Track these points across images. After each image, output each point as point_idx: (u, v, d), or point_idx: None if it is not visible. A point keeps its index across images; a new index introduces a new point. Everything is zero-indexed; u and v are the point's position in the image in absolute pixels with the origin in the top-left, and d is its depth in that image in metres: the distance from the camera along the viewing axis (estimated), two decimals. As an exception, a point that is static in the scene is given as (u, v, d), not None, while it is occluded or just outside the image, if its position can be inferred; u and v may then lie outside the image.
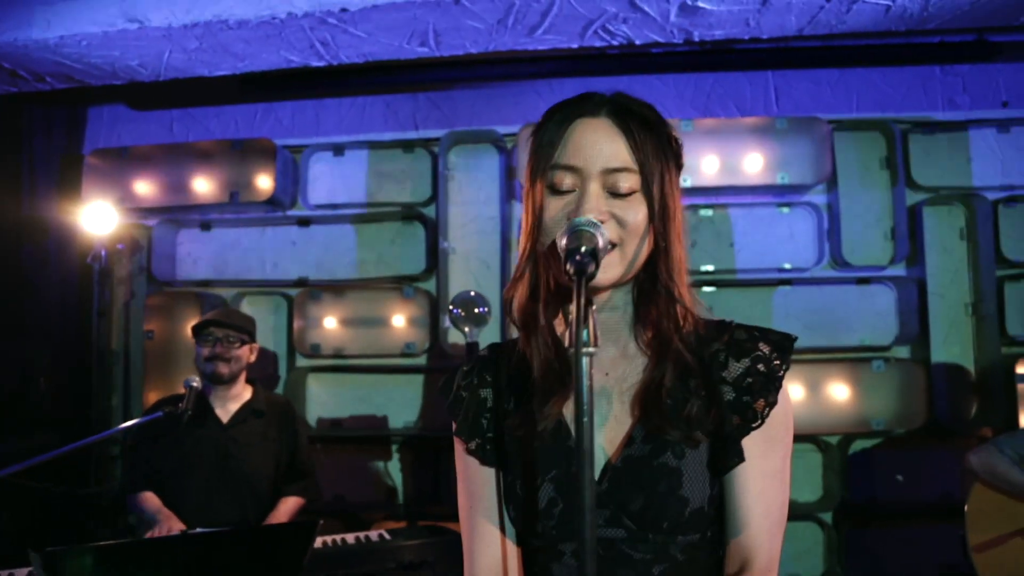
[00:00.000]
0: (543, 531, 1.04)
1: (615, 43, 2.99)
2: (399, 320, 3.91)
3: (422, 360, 3.88)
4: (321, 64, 3.18)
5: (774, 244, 3.73)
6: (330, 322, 3.93)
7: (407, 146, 3.99)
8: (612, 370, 1.09)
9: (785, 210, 3.76)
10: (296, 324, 3.84)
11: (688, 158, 3.63)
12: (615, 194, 1.03)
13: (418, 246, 3.94)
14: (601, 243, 0.95)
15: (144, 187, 3.96)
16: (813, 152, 3.65)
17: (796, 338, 1.09)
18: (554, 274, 1.06)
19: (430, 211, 3.85)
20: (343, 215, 3.96)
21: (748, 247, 3.75)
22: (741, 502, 1.03)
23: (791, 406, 1.07)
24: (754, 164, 3.69)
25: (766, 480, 1.03)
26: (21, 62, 3.06)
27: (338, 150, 3.99)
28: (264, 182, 3.89)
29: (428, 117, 3.99)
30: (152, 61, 3.09)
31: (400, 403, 3.90)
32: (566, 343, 1.08)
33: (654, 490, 0.99)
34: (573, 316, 0.85)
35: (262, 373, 3.76)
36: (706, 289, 3.70)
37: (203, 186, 3.99)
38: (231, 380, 2.88)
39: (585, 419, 0.84)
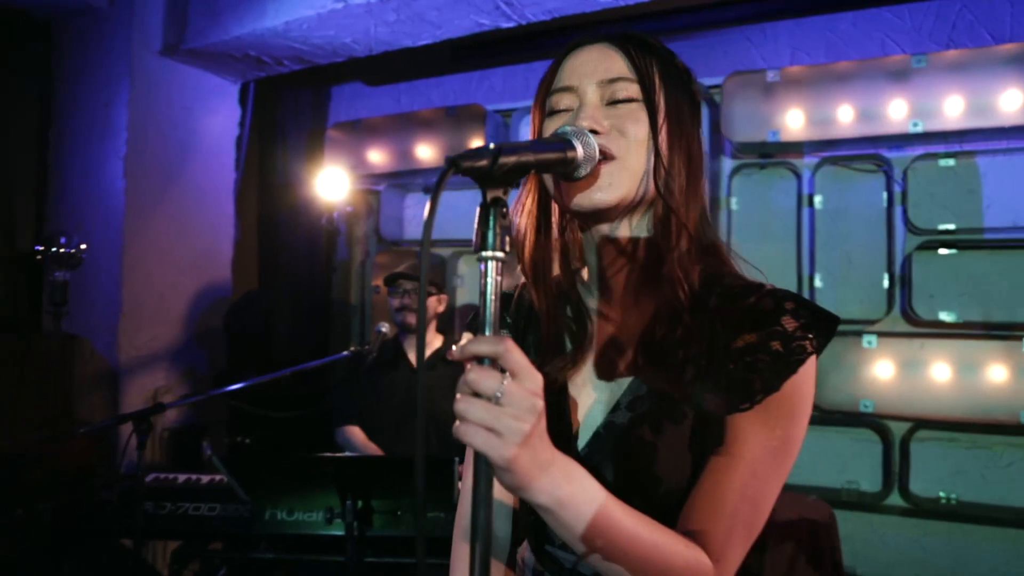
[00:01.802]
0: None
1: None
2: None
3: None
4: (511, 25, 3.24)
5: (1035, 198, 3.13)
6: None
7: (615, 104, 3.93)
8: (626, 318, 1.00)
9: (1051, 156, 3.12)
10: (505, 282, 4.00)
11: (922, 99, 3.18)
12: (614, 103, 0.95)
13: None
14: (580, 151, 0.88)
15: (376, 155, 4.35)
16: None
17: (838, 321, 0.92)
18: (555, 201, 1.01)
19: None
20: (551, 177, 4.03)
21: (1000, 202, 3.17)
22: (704, 487, 0.90)
23: (804, 400, 0.91)
24: (1011, 102, 3.10)
25: (744, 470, 0.89)
26: (262, 49, 3.51)
27: (550, 110, 4.05)
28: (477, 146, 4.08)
29: (636, 73, 3.89)
30: (362, 37, 3.37)
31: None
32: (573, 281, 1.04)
33: (627, 465, 0.92)
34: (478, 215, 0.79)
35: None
36: (944, 251, 3.21)
37: (425, 152, 4.28)
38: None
39: (488, 330, 0.79)
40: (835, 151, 3.41)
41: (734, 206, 3.62)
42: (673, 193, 0.95)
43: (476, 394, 0.73)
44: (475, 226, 0.79)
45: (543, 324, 1.04)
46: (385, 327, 2.71)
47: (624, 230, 0.99)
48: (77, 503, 2.57)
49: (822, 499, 3.15)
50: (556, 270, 1.05)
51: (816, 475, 3.35)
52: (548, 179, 1.00)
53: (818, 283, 3.43)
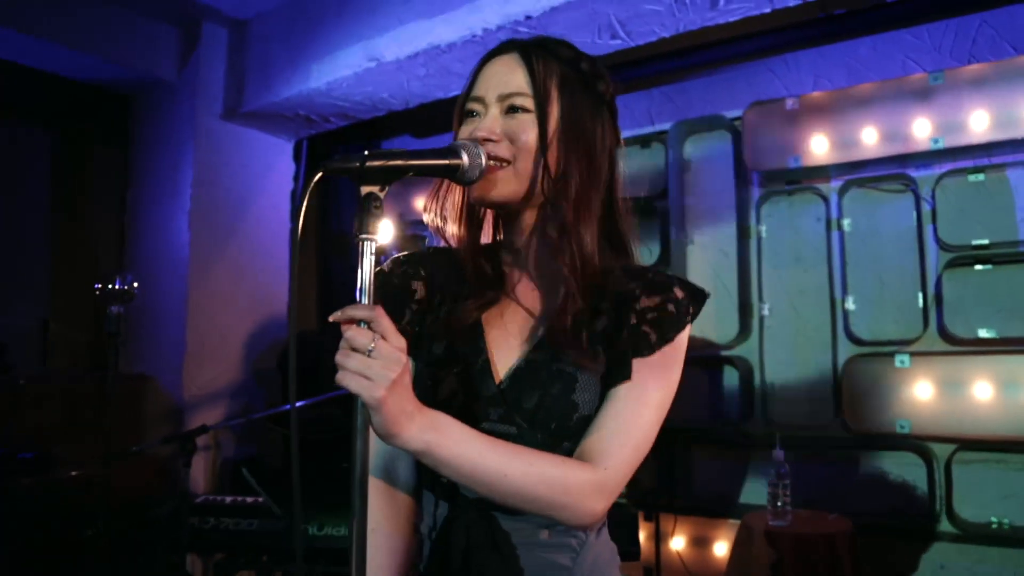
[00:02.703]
0: None
1: (812, -1, 2.77)
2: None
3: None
4: (532, 72, 3.43)
5: (1070, 208, 3.06)
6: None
7: (644, 142, 4.06)
8: (531, 286, 1.17)
9: (1085, 165, 3.05)
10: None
11: (946, 116, 3.24)
12: (510, 112, 1.10)
13: (657, 239, 3.97)
14: (466, 160, 1.02)
15: (422, 202, 4.59)
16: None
17: (707, 295, 1.15)
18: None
19: (666, 204, 3.87)
20: (587, 214, 4.16)
21: (1035, 214, 3.11)
22: (606, 411, 1.07)
23: (683, 352, 1.12)
24: (1037, 112, 3.06)
25: (637, 404, 1.07)
26: (310, 108, 3.83)
27: (581, 153, 4.21)
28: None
29: (663, 111, 4.02)
30: (397, 91, 3.63)
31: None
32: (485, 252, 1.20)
33: (547, 391, 1.06)
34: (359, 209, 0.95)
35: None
36: (980, 267, 3.16)
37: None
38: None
39: (363, 298, 0.93)
40: (861, 173, 3.43)
41: (763, 233, 3.66)
42: (567, 191, 1.09)
43: (354, 350, 0.89)
44: (355, 215, 0.95)
45: (468, 270, 1.18)
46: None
47: (528, 217, 1.15)
48: (135, 522, 2.80)
49: (865, 523, 3.09)
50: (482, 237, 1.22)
51: (858, 501, 3.27)
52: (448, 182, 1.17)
53: (851, 306, 3.42)
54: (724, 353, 3.69)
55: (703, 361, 3.76)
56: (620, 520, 3.02)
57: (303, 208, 0.92)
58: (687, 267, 3.85)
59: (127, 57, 3.71)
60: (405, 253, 1.28)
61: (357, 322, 0.90)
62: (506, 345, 1.13)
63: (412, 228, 4.55)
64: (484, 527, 1.07)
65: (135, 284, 2.42)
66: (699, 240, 3.87)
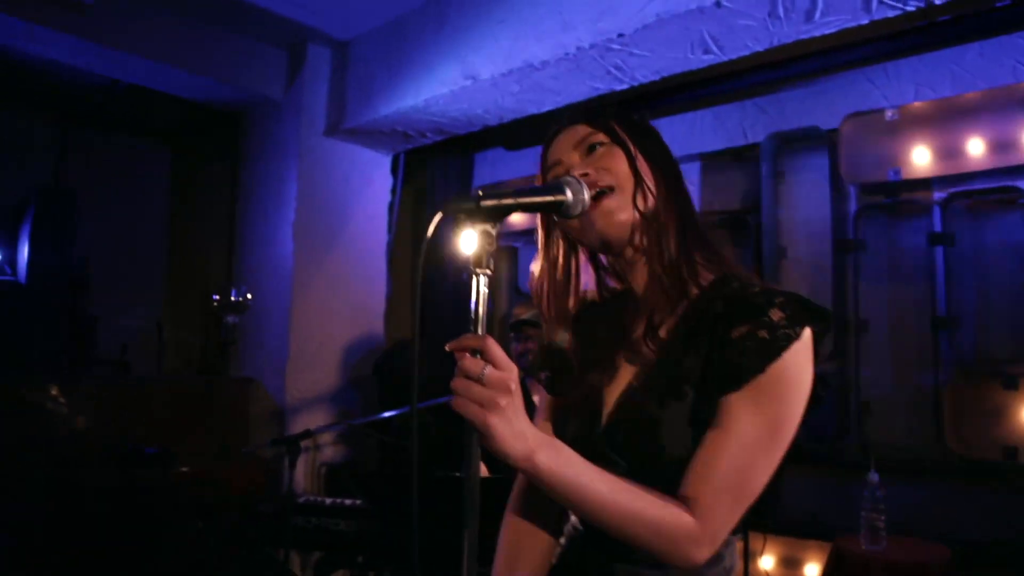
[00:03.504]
0: None
1: (910, 8, 2.69)
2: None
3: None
4: (623, 87, 3.46)
5: None
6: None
7: (736, 154, 4.03)
8: (645, 316, 1.18)
9: None
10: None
11: None
12: (590, 152, 1.19)
13: (749, 253, 3.93)
14: (570, 195, 1.09)
15: (515, 215, 4.68)
16: None
17: (829, 314, 1.06)
18: (577, 241, 1.23)
19: (759, 217, 3.83)
20: (677, 227, 4.15)
21: None
22: (697, 455, 1.04)
23: (792, 383, 1.03)
24: None
25: (729, 446, 1.02)
26: (408, 124, 3.97)
27: (672, 165, 4.21)
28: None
29: (756, 123, 3.98)
30: (492, 107, 3.73)
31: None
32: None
33: (636, 434, 1.09)
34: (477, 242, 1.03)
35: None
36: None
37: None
38: (540, 372, 3.31)
39: (478, 328, 1.01)
40: (966, 185, 3.31)
41: (861, 248, 3.57)
42: (658, 203, 1.16)
43: (466, 377, 0.96)
44: (469, 250, 1.03)
45: (571, 349, 1.25)
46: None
47: (636, 242, 1.17)
48: (242, 519, 2.98)
49: (964, 553, 2.97)
50: (572, 300, 1.28)
51: (958, 529, 3.15)
52: (555, 219, 1.23)
53: (955, 324, 3.29)
54: (819, 370, 3.60)
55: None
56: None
57: (424, 247, 1.00)
58: (780, 282, 3.79)
59: (239, 78, 3.94)
60: None
61: (471, 351, 0.97)
62: (616, 384, 1.17)
63: (503, 240, 4.64)
64: (601, 556, 1.13)
65: (249, 296, 2.59)
66: (793, 254, 3.80)
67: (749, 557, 3.49)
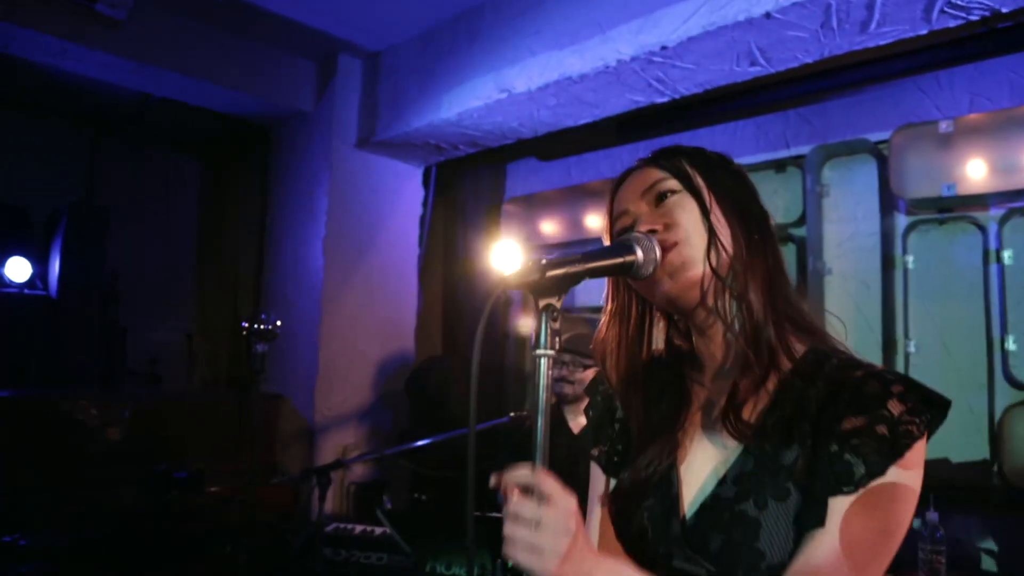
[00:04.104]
0: (636, 554, 1.06)
1: (974, 17, 2.56)
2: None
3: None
4: (664, 100, 3.35)
5: None
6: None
7: (779, 166, 3.89)
8: (723, 387, 1.05)
9: None
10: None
11: None
12: (660, 202, 1.07)
13: (792, 268, 3.79)
14: (640, 254, 0.99)
15: (548, 226, 4.59)
16: None
17: (948, 404, 0.94)
18: (647, 300, 1.12)
19: (802, 231, 3.69)
20: (717, 240, 4.03)
21: None
22: (799, 563, 0.91)
23: (909, 486, 0.91)
24: None
25: (836, 554, 0.90)
26: (440, 137, 3.89)
27: (711, 177, 4.08)
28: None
29: (799, 133, 3.84)
30: (527, 120, 3.63)
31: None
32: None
33: (730, 537, 0.95)
34: (535, 317, 0.94)
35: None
36: None
37: (595, 222, 4.45)
38: (575, 399, 3.21)
39: (540, 419, 0.92)
40: (1025, 202, 3.15)
41: (910, 265, 3.42)
42: (735, 258, 1.03)
43: (520, 520, 0.87)
44: (531, 328, 0.95)
45: (631, 418, 1.13)
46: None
47: (709, 303, 1.04)
48: (270, 546, 2.92)
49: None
50: (644, 354, 1.15)
51: (1016, 563, 3.00)
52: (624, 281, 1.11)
53: (1011, 346, 3.14)
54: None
55: (841, 399, 3.55)
56: None
57: (480, 333, 0.90)
58: (825, 299, 3.65)
59: (269, 91, 3.89)
60: None
61: (521, 488, 0.88)
62: (698, 472, 1.03)
63: (536, 253, 4.54)
64: None
65: (279, 323, 2.53)
66: (839, 271, 3.66)
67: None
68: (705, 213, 1.04)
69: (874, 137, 3.52)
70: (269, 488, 3.08)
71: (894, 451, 0.89)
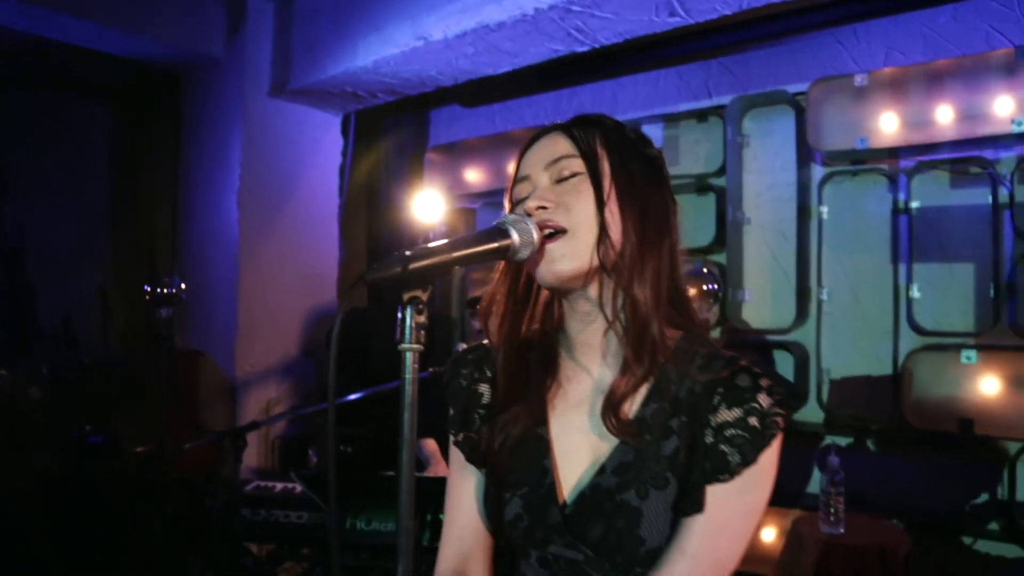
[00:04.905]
0: (510, 539, 1.06)
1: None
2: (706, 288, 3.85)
3: (714, 334, 3.80)
4: (584, 49, 3.30)
5: None
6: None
7: (701, 116, 3.89)
8: (608, 380, 1.04)
9: None
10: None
11: None
12: (560, 180, 1.03)
13: (712, 218, 3.83)
14: (516, 237, 0.96)
15: (472, 175, 4.53)
16: None
17: (806, 394, 1.00)
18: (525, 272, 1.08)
19: (722, 181, 3.73)
20: (639, 190, 4.04)
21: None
22: (678, 545, 0.96)
23: (772, 469, 0.98)
24: None
25: (713, 537, 0.96)
26: (357, 85, 3.77)
27: (635, 126, 4.07)
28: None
29: (721, 83, 3.84)
30: (446, 68, 3.54)
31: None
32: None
33: (612, 525, 0.97)
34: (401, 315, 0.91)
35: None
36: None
37: (520, 171, 4.42)
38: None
39: (406, 414, 0.90)
40: (933, 155, 3.23)
41: (825, 215, 3.50)
42: (624, 256, 1.00)
43: None
44: (398, 323, 0.89)
45: (500, 377, 1.10)
46: (463, 348, 2.86)
47: (592, 294, 1.03)
48: (191, 506, 2.89)
49: (928, 523, 3.01)
50: (524, 329, 1.11)
51: (914, 499, 3.18)
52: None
53: (915, 294, 3.26)
54: (780, 338, 3.58)
55: (758, 346, 3.66)
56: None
57: (337, 329, 0.86)
58: (744, 248, 3.72)
59: (174, 36, 3.69)
60: (471, 349, 1.20)
61: None
62: (573, 460, 1.04)
63: (460, 202, 4.49)
64: None
65: (183, 286, 2.45)
66: (757, 220, 3.72)
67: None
68: (601, 205, 1.00)
69: (793, 88, 3.54)
70: (191, 449, 3.02)
71: (764, 440, 0.95)
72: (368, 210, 4.59)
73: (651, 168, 1.07)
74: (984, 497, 3.07)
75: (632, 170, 1.04)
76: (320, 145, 4.11)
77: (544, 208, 1.00)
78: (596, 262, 0.99)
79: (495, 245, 0.95)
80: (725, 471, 0.95)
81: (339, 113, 4.18)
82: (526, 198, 1.03)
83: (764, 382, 0.97)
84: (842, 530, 2.62)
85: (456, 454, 1.16)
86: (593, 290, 1.02)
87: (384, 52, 3.41)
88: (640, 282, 1.00)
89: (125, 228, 4.52)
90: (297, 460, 3.68)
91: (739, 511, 0.96)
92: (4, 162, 3.80)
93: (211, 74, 3.95)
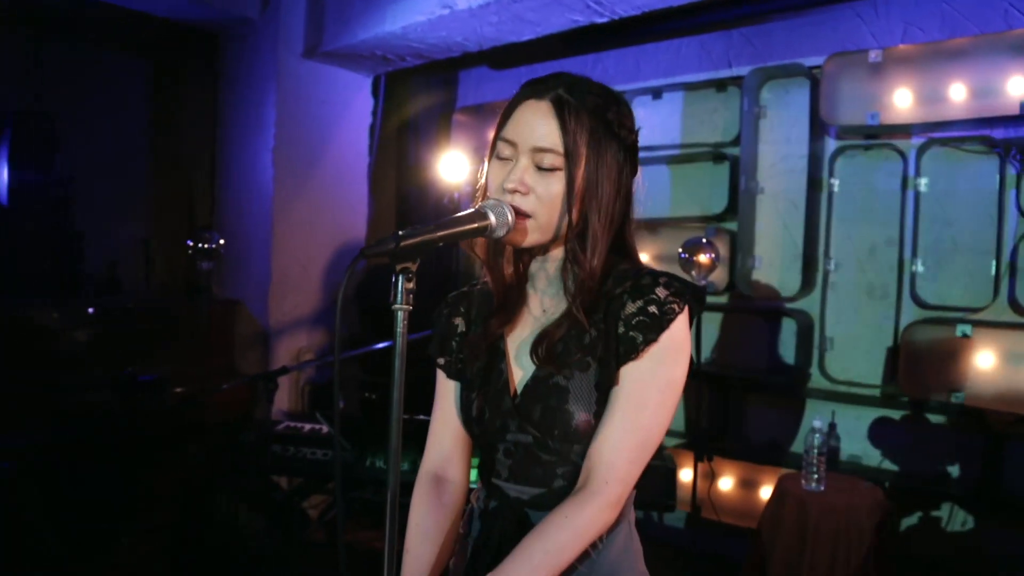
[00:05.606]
0: (478, 434, 1.30)
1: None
2: (703, 259, 3.99)
3: (722, 299, 3.95)
4: (603, 20, 3.40)
5: None
6: (643, 257, 4.21)
7: (720, 85, 3.97)
8: (549, 308, 1.28)
9: None
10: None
11: None
12: (540, 168, 1.18)
13: (725, 186, 3.94)
14: (494, 220, 1.14)
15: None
16: None
17: (704, 291, 1.25)
18: None
19: (736, 151, 3.82)
20: (659, 156, 4.15)
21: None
22: (605, 420, 1.18)
23: (679, 348, 1.19)
24: None
25: (633, 407, 1.17)
26: (387, 49, 3.90)
27: (656, 93, 4.16)
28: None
29: (741, 54, 3.90)
30: (472, 35, 3.66)
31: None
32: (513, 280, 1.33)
33: (547, 403, 1.20)
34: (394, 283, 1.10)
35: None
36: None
37: (543, 134, 4.53)
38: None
39: (396, 363, 1.09)
40: (944, 132, 3.30)
41: (835, 188, 3.60)
42: (583, 234, 1.20)
43: None
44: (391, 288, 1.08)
45: (495, 297, 1.33)
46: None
47: (548, 254, 1.27)
48: (227, 444, 3.16)
49: (913, 488, 3.18)
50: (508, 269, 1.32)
51: (905, 465, 3.35)
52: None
53: (919, 268, 3.37)
54: (786, 305, 3.72)
55: (764, 312, 3.80)
56: (658, 474, 3.21)
57: (343, 291, 1.05)
58: (756, 217, 3.83)
59: (212, -2, 3.84)
60: (454, 293, 1.42)
61: None
62: (522, 363, 1.27)
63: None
64: (516, 524, 1.24)
65: (221, 242, 2.64)
66: (770, 190, 3.83)
67: (712, 478, 3.71)
68: (570, 205, 1.17)
69: (811, 62, 3.61)
70: (227, 391, 3.27)
71: (663, 323, 1.17)
72: (396, 169, 4.76)
73: (623, 152, 1.22)
74: (971, 469, 3.21)
75: (607, 162, 1.19)
76: (351, 105, 4.28)
77: (519, 192, 1.17)
78: (552, 238, 1.21)
79: (475, 226, 1.13)
80: (634, 351, 1.17)
81: (369, 75, 4.33)
82: (509, 160, 1.19)
83: (662, 279, 1.20)
84: (823, 487, 2.80)
85: (440, 375, 1.40)
86: (553, 251, 1.25)
87: (411, 19, 3.54)
88: (594, 248, 1.20)
89: (166, 182, 4.74)
90: (325, 403, 3.94)
91: (653, 384, 1.18)
92: (54, 116, 4.02)
93: (247, 35, 4.11)
